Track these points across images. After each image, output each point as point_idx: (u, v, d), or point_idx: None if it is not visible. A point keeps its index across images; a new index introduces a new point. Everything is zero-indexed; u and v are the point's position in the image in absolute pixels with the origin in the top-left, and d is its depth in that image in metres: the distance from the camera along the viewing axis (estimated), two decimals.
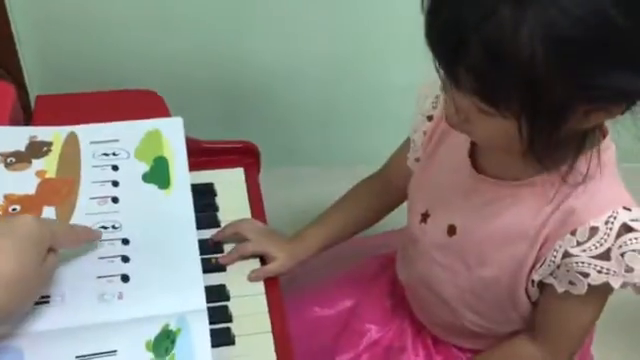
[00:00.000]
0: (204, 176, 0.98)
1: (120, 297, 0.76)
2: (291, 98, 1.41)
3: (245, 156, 1.03)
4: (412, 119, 0.95)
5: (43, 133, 0.89)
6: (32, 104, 0.98)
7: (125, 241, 0.81)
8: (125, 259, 0.79)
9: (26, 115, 0.97)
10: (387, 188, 1.02)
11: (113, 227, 0.82)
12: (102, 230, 0.81)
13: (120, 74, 1.27)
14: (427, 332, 1.00)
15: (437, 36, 0.66)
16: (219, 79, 1.36)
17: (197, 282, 0.79)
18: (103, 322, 0.74)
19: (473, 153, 0.85)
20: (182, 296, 0.77)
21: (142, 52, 1.29)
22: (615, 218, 0.74)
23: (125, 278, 0.78)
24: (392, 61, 1.24)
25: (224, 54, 1.33)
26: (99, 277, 0.77)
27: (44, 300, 0.74)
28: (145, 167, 0.88)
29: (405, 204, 0.99)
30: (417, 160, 0.95)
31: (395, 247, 1.06)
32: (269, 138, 1.30)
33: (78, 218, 0.82)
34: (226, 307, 0.86)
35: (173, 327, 0.74)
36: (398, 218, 1.05)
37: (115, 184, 0.86)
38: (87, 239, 0.79)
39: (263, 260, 0.93)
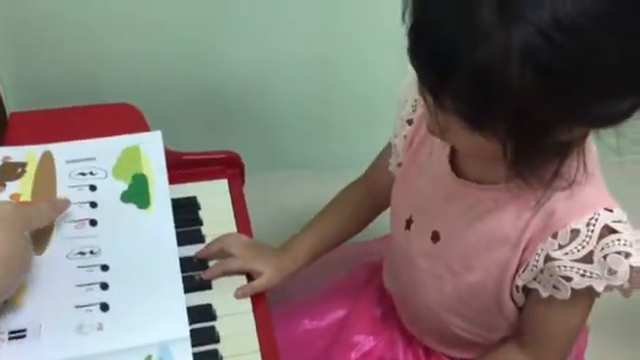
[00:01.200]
0: (186, 189, 0.96)
1: (100, 328, 0.74)
2: (274, 102, 1.39)
3: (228, 167, 1.00)
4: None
5: (17, 153, 0.87)
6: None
7: (104, 267, 0.79)
8: (104, 286, 0.77)
9: (1, 133, 0.94)
10: (372, 193, 1.01)
11: (91, 252, 0.80)
12: (77, 255, 0.79)
13: (98, 85, 1.25)
14: (418, 342, 0.99)
15: (423, 58, 0.64)
16: (200, 86, 1.34)
17: (179, 308, 0.77)
18: (82, 356, 0.72)
19: (453, 157, 0.84)
20: (164, 324, 0.75)
21: (120, 62, 1.27)
22: (597, 220, 0.73)
23: (104, 307, 0.76)
24: (377, 62, 1.21)
25: (203, 61, 1.31)
26: (77, 307, 0.75)
27: (20, 334, 0.72)
28: (124, 186, 0.86)
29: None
30: (399, 165, 0.93)
31: (382, 254, 1.04)
32: (253, 143, 1.29)
33: (56, 243, 0.80)
34: (213, 328, 0.83)
35: (155, 358, 0.72)
36: (385, 225, 1.03)
37: (93, 205, 0.84)
38: (60, 212, 0.81)
39: (250, 275, 0.91)
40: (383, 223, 1.03)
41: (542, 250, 0.76)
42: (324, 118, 1.44)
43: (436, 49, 0.62)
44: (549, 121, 0.63)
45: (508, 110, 0.61)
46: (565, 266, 0.75)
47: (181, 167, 0.96)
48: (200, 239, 0.92)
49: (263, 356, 0.82)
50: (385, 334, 1.00)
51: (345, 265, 1.08)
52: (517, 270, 0.80)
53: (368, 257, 1.09)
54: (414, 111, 0.89)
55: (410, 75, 0.83)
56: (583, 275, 0.74)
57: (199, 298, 0.85)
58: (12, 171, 0.85)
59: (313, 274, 1.02)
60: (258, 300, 0.88)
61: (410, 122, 0.90)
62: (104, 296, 0.76)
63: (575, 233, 0.74)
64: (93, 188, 0.85)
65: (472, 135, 0.66)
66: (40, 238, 0.79)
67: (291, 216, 1.26)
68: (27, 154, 0.87)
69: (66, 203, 0.82)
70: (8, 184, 0.84)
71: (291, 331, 1.00)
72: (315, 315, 1.02)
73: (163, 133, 0.93)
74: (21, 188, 0.83)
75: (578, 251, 0.74)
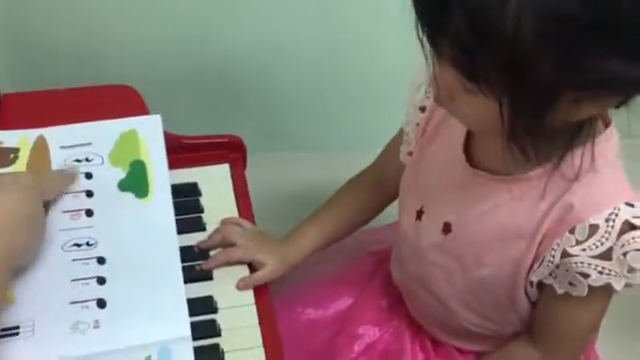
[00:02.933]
0: (187, 175, 0.93)
1: (96, 326, 0.71)
2: (277, 82, 1.36)
3: (230, 151, 0.97)
4: (404, 107, 0.90)
5: (9, 138, 0.84)
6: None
7: (101, 260, 0.76)
8: (101, 281, 0.74)
9: None
10: (380, 183, 0.98)
11: (87, 244, 0.77)
12: (73, 247, 0.76)
13: (95, 65, 1.22)
14: (425, 333, 0.97)
15: (423, 2, 0.63)
16: (200, 67, 1.31)
17: (180, 305, 0.74)
18: (78, 356, 0.69)
19: (468, 146, 0.81)
20: (164, 322, 0.72)
21: (118, 42, 1.25)
22: (617, 215, 0.71)
23: (101, 303, 0.73)
24: (382, 43, 1.19)
25: (204, 41, 1.28)
26: (72, 303, 0.72)
27: (12, 332, 0.69)
28: (121, 173, 0.83)
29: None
30: (410, 154, 0.91)
31: (389, 242, 1.02)
32: (255, 124, 1.26)
33: (50, 235, 0.76)
34: (214, 321, 0.81)
35: (155, 359, 0.70)
36: (393, 212, 1.00)
37: (89, 194, 0.81)
38: (68, 185, 0.80)
39: (252, 266, 0.88)
40: (390, 210, 1.01)
41: (558, 245, 0.74)
42: (327, 99, 1.41)
43: None
44: (548, 82, 0.60)
45: (502, 58, 0.59)
46: (582, 262, 0.72)
47: (181, 151, 0.93)
48: (201, 227, 0.90)
49: (266, 351, 0.79)
50: (391, 324, 0.99)
51: (351, 253, 1.06)
52: (532, 265, 0.78)
53: (375, 245, 1.07)
54: (427, 97, 0.86)
55: (423, 60, 0.79)
56: (601, 272, 0.72)
57: (200, 289, 0.83)
58: (4, 157, 0.82)
59: (318, 261, 1.00)
60: (261, 292, 0.86)
61: (423, 109, 0.87)
62: (101, 291, 0.73)
63: (594, 228, 0.72)
64: (89, 176, 0.82)
65: (473, 100, 0.65)
66: None
67: (292, 197, 1.24)
68: (20, 139, 0.83)
69: (75, 175, 0.81)
70: (0, 171, 0.80)
71: (295, 320, 0.98)
72: (320, 304, 1.00)
73: (162, 115, 0.89)
74: None
75: (596, 247, 0.72)
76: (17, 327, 0.70)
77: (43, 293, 0.72)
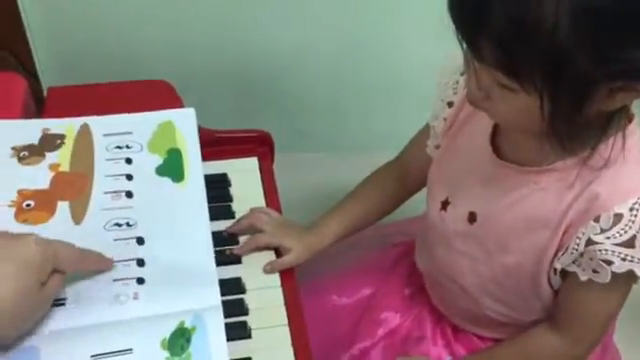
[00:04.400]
0: (217, 166, 0.97)
1: (135, 297, 0.76)
2: (304, 82, 1.39)
3: (259, 145, 1.02)
4: (431, 104, 0.93)
5: (56, 125, 0.89)
6: (45, 96, 0.97)
7: (140, 240, 0.81)
8: (140, 263, 0.79)
9: (39, 107, 0.96)
10: (405, 175, 1.01)
11: (127, 224, 0.81)
12: (114, 227, 0.81)
13: (132, 63, 1.26)
14: (446, 321, 1.00)
15: (460, 6, 0.65)
16: (232, 66, 1.35)
17: (212, 279, 0.78)
18: (118, 321, 0.74)
19: (494, 139, 0.84)
20: (197, 293, 0.77)
21: (153, 40, 1.28)
22: None
23: (140, 281, 0.77)
24: (407, 41, 1.21)
25: (234, 40, 1.31)
26: (115, 280, 0.77)
27: (60, 302, 0.74)
28: (159, 160, 0.88)
29: (423, 191, 0.98)
30: (437, 147, 0.93)
31: (413, 235, 1.05)
32: (283, 123, 1.29)
33: (93, 213, 0.81)
34: (242, 300, 0.85)
35: (188, 325, 0.74)
36: (415, 205, 1.04)
37: (129, 178, 0.86)
38: (97, 267, 0.77)
39: (278, 251, 0.92)
40: (414, 204, 1.04)
41: (583, 234, 0.76)
42: (353, 101, 1.44)
43: None
44: (586, 73, 0.62)
45: (543, 54, 0.61)
46: (607, 250, 0.74)
47: (213, 145, 0.97)
48: (230, 215, 0.94)
49: (291, 329, 0.83)
50: (413, 312, 1.01)
51: (374, 244, 1.09)
52: (556, 253, 0.80)
53: (398, 237, 1.09)
54: (455, 93, 0.89)
55: (450, 57, 0.83)
56: (624, 259, 0.74)
57: (229, 272, 0.87)
58: (51, 142, 0.87)
59: (342, 251, 1.03)
60: (286, 276, 0.90)
61: (450, 104, 0.90)
62: (140, 272, 0.78)
63: (618, 217, 0.74)
64: (129, 161, 0.87)
65: (511, 98, 0.67)
66: (77, 207, 0.81)
67: (318, 197, 1.27)
68: (66, 126, 0.88)
69: (109, 263, 0.78)
70: (47, 154, 0.85)
71: (320, 306, 1.01)
72: (343, 291, 1.03)
73: (195, 111, 0.94)
74: (60, 158, 0.85)
75: (620, 235, 0.74)
76: (64, 298, 0.74)
77: (88, 274, 0.77)
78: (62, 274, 0.71)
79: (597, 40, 0.61)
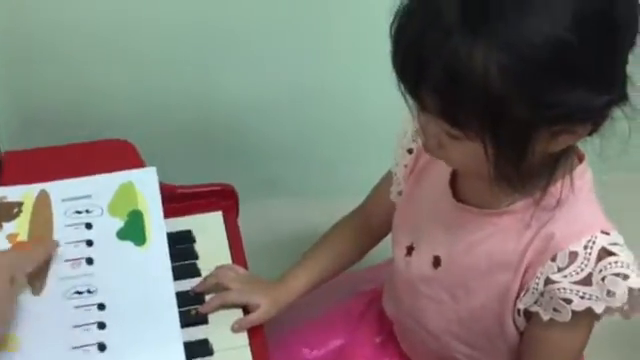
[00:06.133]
0: (181, 223, 0.96)
1: None
2: (265, 131, 1.39)
3: (222, 199, 1.01)
4: (390, 153, 0.94)
5: (13, 193, 0.88)
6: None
7: (101, 306, 0.79)
8: (101, 326, 0.78)
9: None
10: (369, 223, 1.01)
11: (88, 291, 0.80)
12: (75, 295, 0.80)
13: (89, 118, 1.25)
14: None
15: (401, 61, 0.69)
16: (192, 117, 1.34)
17: (176, 349, 0.77)
18: None
19: (454, 183, 0.85)
20: None
21: (110, 95, 1.27)
22: (594, 242, 0.75)
23: (102, 347, 0.76)
24: (372, 92, 1.22)
25: (194, 92, 1.31)
26: (74, 347, 0.75)
27: None
28: (119, 223, 0.87)
29: (388, 238, 0.98)
30: (400, 193, 0.94)
31: (380, 282, 1.04)
32: (246, 171, 1.28)
33: (52, 284, 0.80)
34: None
35: None
36: (380, 252, 1.04)
37: (89, 244, 0.85)
38: (47, 255, 0.81)
39: (246, 308, 0.91)
40: (379, 251, 1.04)
41: (542, 273, 0.77)
42: (318, 147, 1.44)
43: (411, 44, 0.67)
44: (523, 119, 0.65)
45: (479, 102, 0.65)
46: (565, 288, 0.75)
47: (175, 200, 0.96)
48: (196, 273, 0.92)
49: None
50: None
51: (342, 293, 1.08)
52: (518, 294, 0.81)
53: (366, 284, 1.09)
54: (414, 140, 0.91)
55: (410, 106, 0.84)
56: (582, 297, 0.75)
57: (196, 333, 0.86)
58: (9, 211, 0.86)
59: (310, 302, 1.02)
60: (255, 333, 0.88)
61: (410, 151, 0.92)
62: (101, 336, 0.77)
63: (574, 255, 0.75)
64: (89, 226, 0.86)
65: (460, 145, 0.70)
66: (36, 279, 0.80)
67: (286, 242, 1.27)
68: (23, 193, 0.87)
69: (54, 243, 0.83)
70: (5, 225, 0.84)
71: None
72: (314, 344, 1.02)
73: (155, 164, 0.93)
74: (18, 228, 0.84)
75: (577, 274, 0.75)
76: None
77: (46, 340, 0.75)
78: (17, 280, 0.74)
79: (527, 87, 0.64)
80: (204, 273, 0.92)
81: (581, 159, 0.79)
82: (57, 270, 0.81)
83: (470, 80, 0.64)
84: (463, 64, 0.64)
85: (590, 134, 0.72)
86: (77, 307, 0.79)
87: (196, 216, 0.98)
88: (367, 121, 1.35)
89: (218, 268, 0.92)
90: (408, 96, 0.70)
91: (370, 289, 1.08)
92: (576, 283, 0.75)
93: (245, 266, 0.95)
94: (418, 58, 0.66)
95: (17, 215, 0.85)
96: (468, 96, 0.65)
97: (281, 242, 1.35)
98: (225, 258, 0.96)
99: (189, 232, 0.96)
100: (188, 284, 0.91)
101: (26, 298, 0.78)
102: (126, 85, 1.28)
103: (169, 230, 0.90)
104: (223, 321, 0.89)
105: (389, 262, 0.97)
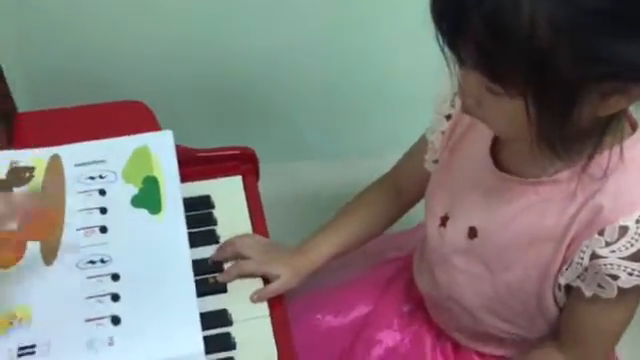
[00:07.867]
0: (200, 187, 0.94)
1: (111, 343, 0.72)
2: (290, 89, 1.35)
3: (243, 163, 0.98)
4: (423, 105, 0.90)
5: (24, 157, 0.85)
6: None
7: (115, 277, 0.77)
8: (115, 298, 0.75)
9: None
10: (399, 192, 0.98)
11: (102, 261, 0.78)
12: (88, 264, 0.77)
13: (106, 81, 1.23)
14: (446, 337, 0.97)
15: (439, 10, 0.65)
16: (209, 80, 1.30)
17: (193, 322, 0.75)
18: None
19: (495, 151, 0.81)
20: (177, 339, 0.73)
21: (127, 58, 1.24)
22: None
23: (116, 320, 0.74)
24: (393, 51, 1.18)
25: (212, 54, 1.27)
26: (87, 320, 0.73)
27: (29, 350, 0.70)
28: (134, 189, 0.84)
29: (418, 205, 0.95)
30: (435, 162, 0.91)
31: (406, 249, 1.02)
32: (270, 133, 1.25)
33: (65, 252, 0.78)
34: (228, 334, 0.81)
35: None
36: (409, 219, 1.01)
37: (103, 211, 0.82)
38: None
39: (266, 277, 0.88)
40: (409, 217, 1.01)
41: (587, 247, 0.74)
42: (337, 108, 1.40)
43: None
44: (569, 75, 0.61)
45: (522, 55, 0.60)
46: (612, 264, 0.72)
47: (194, 164, 0.94)
48: (214, 239, 0.90)
49: None
50: (412, 329, 0.98)
51: (370, 259, 1.05)
52: (560, 268, 0.78)
53: (394, 252, 1.06)
54: (452, 106, 0.87)
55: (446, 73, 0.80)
56: (631, 274, 0.72)
57: (214, 302, 0.84)
58: (20, 176, 0.83)
59: (336, 267, 0.99)
60: (275, 304, 0.86)
61: (449, 117, 0.88)
62: (115, 308, 0.74)
63: (623, 230, 0.72)
64: (103, 193, 0.83)
65: (499, 102, 0.66)
66: (48, 248, 0.78)
67: (309, 207, 1.24)
68: (35, 158, 0.85)
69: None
70: (16, 190, 0.82)
71: (314, 327, 0.98)
72: (339, 310, 1.00)
73: (174, 129, 0.90)
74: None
75: (626, 249, 0.72)
76: (33, 346, 0.71)
77: (59, 311, 0.73)
78: None
79: (577, 39, 0.60)
80: (223, 240, 0.90)
81: (634, 127, 0.74)
82: (70, 239, 0.79)
83: (515, 32, 0.59)
84: (508, 14, 0.59)
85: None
86: (90, 277, 0.77)
87: (215, 180, 0.96)
88: (395, 80, 1.30)
89: (236, 237, 0.90)
90: (446, 49, 0.66)
91: (396, 257, 1.05)
92: (625, 259, 0.72)
93: (265, 232, 0.93)
94: (457, 5, 0.62)
95: (29, 180, 0.83)
96: (512, 49, 0.60)
97: (304, 205, 1.32)
98: (245, 225, 0.93)
99: (208, 197, 0.94)
100: (206, 251, 0.89)
101: (37, 268, 0.76)
102: (141, 47, 1.25)
103: (187, 195, 0.87)
104: (242, 291, 0.86)
105: (419, 228, 0.94)
